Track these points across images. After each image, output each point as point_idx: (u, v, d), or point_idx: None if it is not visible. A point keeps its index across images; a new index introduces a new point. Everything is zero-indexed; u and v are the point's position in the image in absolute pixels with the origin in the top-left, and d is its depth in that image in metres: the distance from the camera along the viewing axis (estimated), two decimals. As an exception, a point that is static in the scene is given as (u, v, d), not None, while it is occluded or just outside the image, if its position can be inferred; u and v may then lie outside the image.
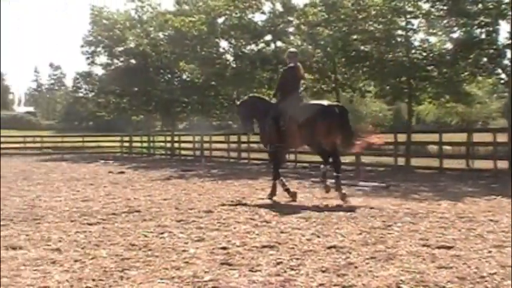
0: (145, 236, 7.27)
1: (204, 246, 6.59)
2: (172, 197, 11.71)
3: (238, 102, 12.81)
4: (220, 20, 31.12)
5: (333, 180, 10.72)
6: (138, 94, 37.31)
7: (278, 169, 11.71)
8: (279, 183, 11.51)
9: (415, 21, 23.17)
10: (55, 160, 30.82)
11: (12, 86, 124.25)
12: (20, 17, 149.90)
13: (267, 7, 29.11)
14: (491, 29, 20.63)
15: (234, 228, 7.79)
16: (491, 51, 20.86)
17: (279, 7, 28.78)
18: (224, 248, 6.41)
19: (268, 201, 10.85)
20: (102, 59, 40.30)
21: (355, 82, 26.63)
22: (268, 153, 13.26)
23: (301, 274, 5.30)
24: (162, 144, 37.15)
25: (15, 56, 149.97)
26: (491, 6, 20.03)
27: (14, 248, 6.51)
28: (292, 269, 5.46)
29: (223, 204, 10.37)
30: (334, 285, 4.98)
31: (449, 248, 6.38)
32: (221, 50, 32.71)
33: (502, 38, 21.51)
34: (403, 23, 23.31)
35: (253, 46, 30.93)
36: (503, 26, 22.18)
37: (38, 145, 42.26)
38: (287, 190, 11.33)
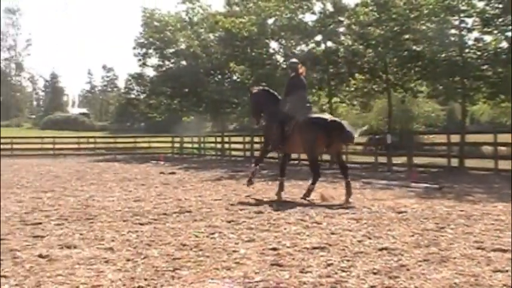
0: (196, 236, 7.30)
1: (255, 246, 6.58)
2: (222, 198, 11.75)
3: (251, 91, 13.38)
4: (270, 21, 31.10)
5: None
6: (189, 95, 37.64)
7: (283, 167, 12.30)
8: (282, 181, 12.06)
9: (469, 20, 22.71)
10: (108, 161, 31.37)
11: (66, 88, 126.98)
12: (73, 21, 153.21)
13: (317, 7, 28.90)
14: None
15: (285, 229, 7.76)
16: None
17: (329, 7, 28.54)
18: (274, 249, 6.40)
19: (319, 202, 10.76)
20: (154, 60, 40.94)
21: (407, 82, 26.28)
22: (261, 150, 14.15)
23: (352, 276, 5.25)
24: (213, 145, 37.39)
25: (70, 59, 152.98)
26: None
27: (68, 247, 6.62)
28: (343, 271, 5.42)
29: (273, 205, 10.35)
30: (386, 287, 4.92)
31: (505, 251, 6.24)
32: (271, 50, 32.71)
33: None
34: (457, 22, 22.90)
35: (303, 46, 30.81)
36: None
37: (91, 146, 43.00)
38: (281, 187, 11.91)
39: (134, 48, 40.46)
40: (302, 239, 7.05)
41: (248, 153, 30.22)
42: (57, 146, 39.95)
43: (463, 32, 23.00)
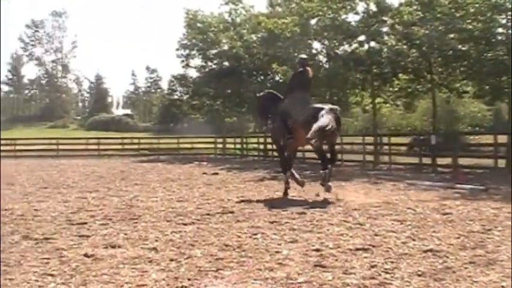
0: (239, 236, 7.32)
1: (297, 247, 6.56)
2: (265, 198, 11.75)
3: (258, 95, 14.08)
4: (313, 21, 31.01)
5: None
6: (231, 96, 37.79)
7: (286, 163, 12.86)
8: (288, 177, 12.59)
9: (517, 19, 22.29)
10: (151, 161, 31.69)
11: (111, 89, 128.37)
12: (117, 23, 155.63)
13: (360, 7, 28.68)
14: None
15: (327, 230, 7.73)
16: None
17: (373, 7, 28.27)
18: (317, 250, 6.37)
19: (361, 203, 10.65)
20: (197, 61, 41.28)
21: (452, 82, 25.95)
22: (277, 149, 14.18)
23: (397, 278, 5.19)
24: (255, 145, 37.40)
25: (114, 60, 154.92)
26: None
27: (113, 247, 6.71)
28: (387, 273, 5.36)
29: (316, 206, 10.30)
30: (431, 290, 4.85)
31: (554, 254, 6.08)
32: (314, 51, 32.58)
33: None
34: (504, 21, 22.49)
35: (346, 47, 30.57)
36: None
37: (135, 146, 43.55)
38: (287, 185, 12.43)
39: (177, 49, 40.86)
40: (345, 240, 7.00)
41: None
42: (101, 147, 40.55)
43: (510, 31, 22.56)
